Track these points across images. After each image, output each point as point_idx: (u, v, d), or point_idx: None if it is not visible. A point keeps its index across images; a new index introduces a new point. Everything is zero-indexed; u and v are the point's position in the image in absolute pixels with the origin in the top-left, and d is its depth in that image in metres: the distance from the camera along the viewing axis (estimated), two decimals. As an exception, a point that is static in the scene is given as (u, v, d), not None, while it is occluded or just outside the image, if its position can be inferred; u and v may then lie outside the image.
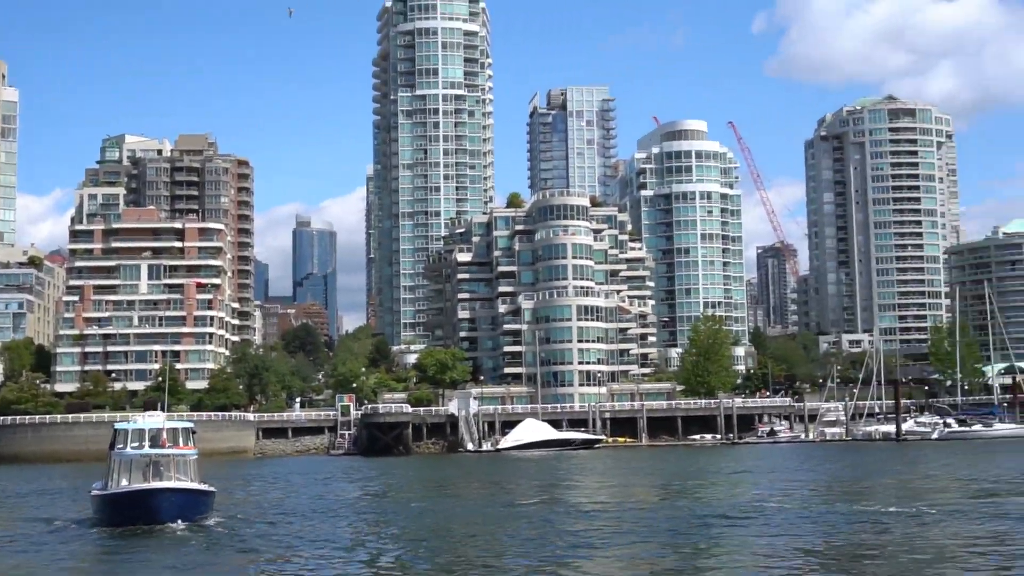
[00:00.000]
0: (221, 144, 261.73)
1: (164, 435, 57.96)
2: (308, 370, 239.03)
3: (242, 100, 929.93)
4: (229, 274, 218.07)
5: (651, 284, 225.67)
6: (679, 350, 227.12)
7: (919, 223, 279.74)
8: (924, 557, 38.96)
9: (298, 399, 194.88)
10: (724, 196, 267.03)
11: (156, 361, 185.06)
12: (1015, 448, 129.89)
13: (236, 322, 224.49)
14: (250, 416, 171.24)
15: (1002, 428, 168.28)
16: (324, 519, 59.57)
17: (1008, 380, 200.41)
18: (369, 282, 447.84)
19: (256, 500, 74.89)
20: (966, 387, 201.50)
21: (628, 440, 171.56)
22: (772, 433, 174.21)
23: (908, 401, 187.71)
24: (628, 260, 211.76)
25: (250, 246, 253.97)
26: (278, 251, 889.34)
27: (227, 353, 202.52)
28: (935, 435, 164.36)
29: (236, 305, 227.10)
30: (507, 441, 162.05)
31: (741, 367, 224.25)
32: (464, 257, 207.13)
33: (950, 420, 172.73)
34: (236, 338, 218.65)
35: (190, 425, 62.63)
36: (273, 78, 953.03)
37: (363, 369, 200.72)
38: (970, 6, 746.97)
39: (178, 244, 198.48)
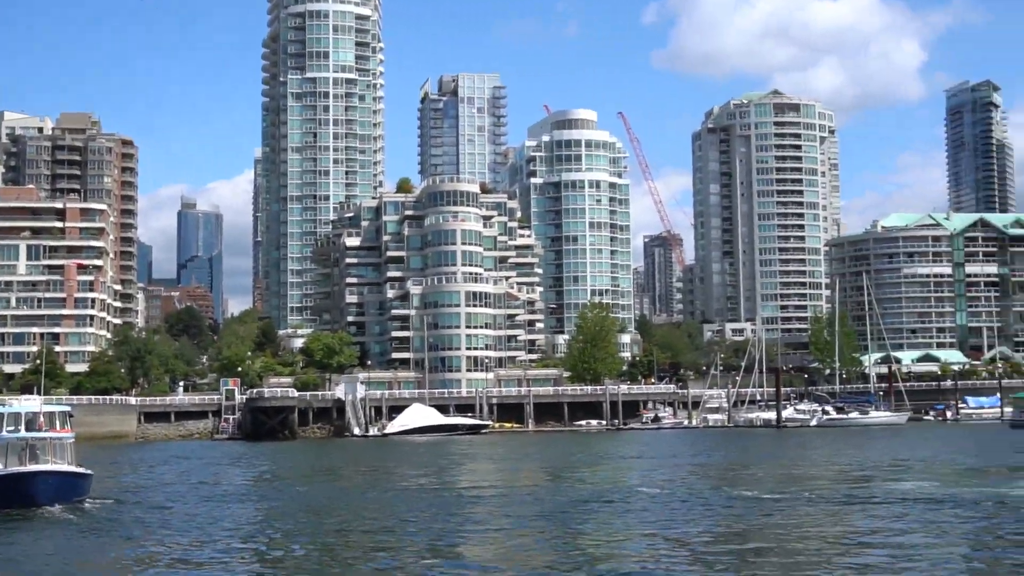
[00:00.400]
0: (105, 123, 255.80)
1: (40, 419, 57.19)
2: (192, 354, 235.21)
3: (128, 79, 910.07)
4: (111, 255, 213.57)
5: (539, 271, 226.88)
6: (566, 337, 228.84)
7: (801, 215, 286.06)
8: (797, 539, 39.95)
9: (181, 383, 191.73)
10: (613, 185, 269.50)
11: (34, 344, 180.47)
12: (889, 435, 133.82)
13: (118, 304, 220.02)
14: (132, 400, 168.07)
15: (877, 416, 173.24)
16: (206, 504, 58.87)
17: (884, 369, 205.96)
18: (256, 265, 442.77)
19: (136, 484, 73.68)
20: (844, 376, 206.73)
21: (515, 425, 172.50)
22: (656, 419, 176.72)
23: (788, 389, 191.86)
24: (517, 247, 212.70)
25: (133, 227, 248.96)
26: (162, 233, 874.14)
27: (108, 336, 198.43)
28: (814, 422, 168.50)
29: (118, 287, 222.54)
30: (394, 426, 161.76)
31: (627, 354, 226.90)
32: (353, 242, 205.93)
33: (828, 408, 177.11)
34: (118, 321, 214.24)
35: (67, 409, 62.41)
36: (160, 57, 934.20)
37: (249, 353, 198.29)
38: (853, 5, 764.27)
39: (58, 224, 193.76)
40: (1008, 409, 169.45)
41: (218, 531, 46.43)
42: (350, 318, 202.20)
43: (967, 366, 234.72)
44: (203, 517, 52.04)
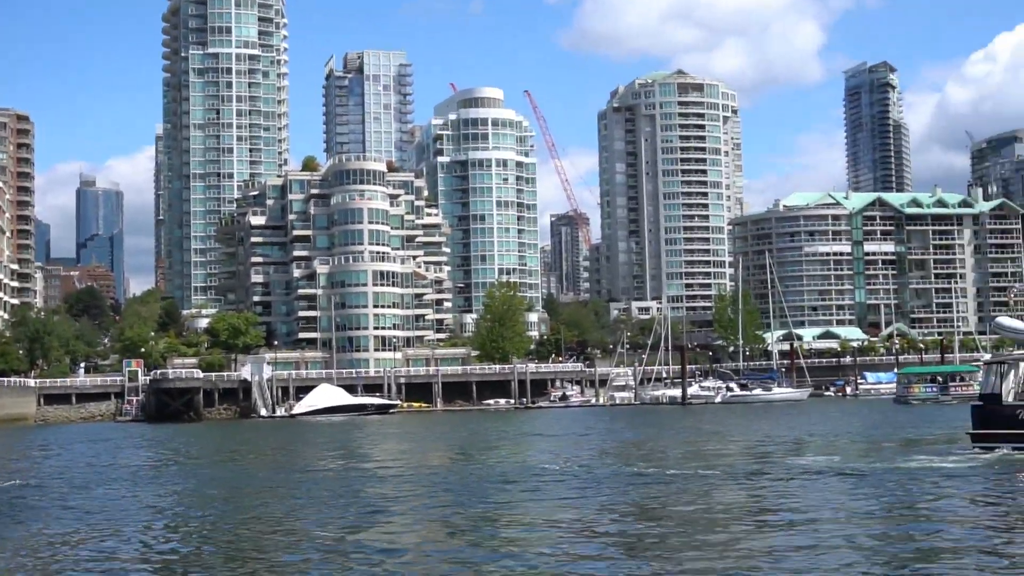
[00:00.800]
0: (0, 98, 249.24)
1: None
2: (93, 334, 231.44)
3: (23, 53, 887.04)
4: (8, 234, 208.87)
5: (447, 250, 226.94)
6: (474, 316, 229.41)
7: (705, 195, 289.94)
8: (700, 514, 40.73)
9: (83, 364, 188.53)
10: (520, 164, 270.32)
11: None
12: (791, 411, 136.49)
13: (15, 284, 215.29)
14: (31, 382, 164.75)
15: (780, 392, 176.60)
16: (111, 486, 58.07)
17: (786, 346, 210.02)
18: (158, 244, 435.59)
19: (36, 467, 72.34)
20: (747, 353, 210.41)
21: (423, 405, 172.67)
22: (564, 398, 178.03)
23: (693, 366, 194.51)
24: (424, 226, 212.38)
25: (30, 205, 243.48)
26: (61, 211, 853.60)
27: (5, 316, 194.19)
28: (718, 399, 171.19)
29: (15, 266, 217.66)
30: (301, 406, 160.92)
31: (534, 333, 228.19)
32: (258, 220, 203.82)
33: (732, 385, 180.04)
34: (15, 301, 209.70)
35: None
36: (57, 30, 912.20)
37: (152, 333, 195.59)
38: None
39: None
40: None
41: (124, 515, 45.90)
42: (256, 298, 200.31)
43: (865, 342, 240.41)
44: (108, 500, 51.36)
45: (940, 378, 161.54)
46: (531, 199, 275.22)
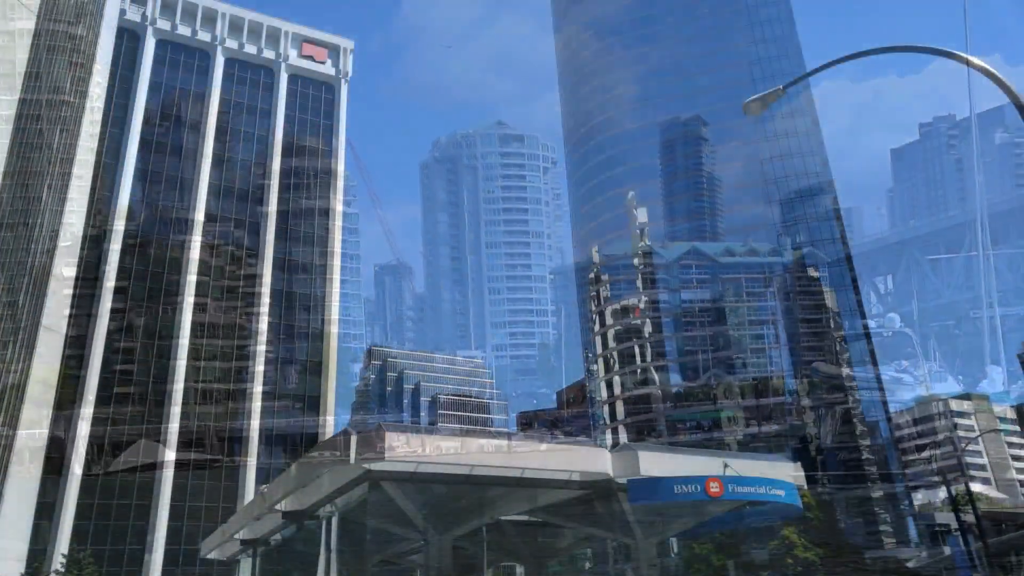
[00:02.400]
0: None
1: None
2: None
3: None
4: None
5: (268, 301, 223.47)
6: (297, 367, 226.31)
7: (527, 244, 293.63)
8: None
9: None
10: (343, 214, 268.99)
11: None
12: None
13: None
14: None
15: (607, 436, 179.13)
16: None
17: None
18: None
19: None
20: (571, 400, 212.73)
21: (247, 459, 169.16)
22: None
23: (517, 413, 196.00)
24: (246, 276, 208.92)
25: None
26: None
27: None
28: (543, 447, 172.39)
29: None
30: (117, 464, 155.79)
31: (359, 384, 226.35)
32: (69, 272, 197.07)
33: (557, 432, 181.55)
34: None
35: None
36: None
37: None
38: (571, 41, 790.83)
39: None
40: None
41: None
42: (69, 351, 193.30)
43: (684, 388, 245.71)
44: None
45: (705, 424, 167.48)
46: (354, 249, 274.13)
